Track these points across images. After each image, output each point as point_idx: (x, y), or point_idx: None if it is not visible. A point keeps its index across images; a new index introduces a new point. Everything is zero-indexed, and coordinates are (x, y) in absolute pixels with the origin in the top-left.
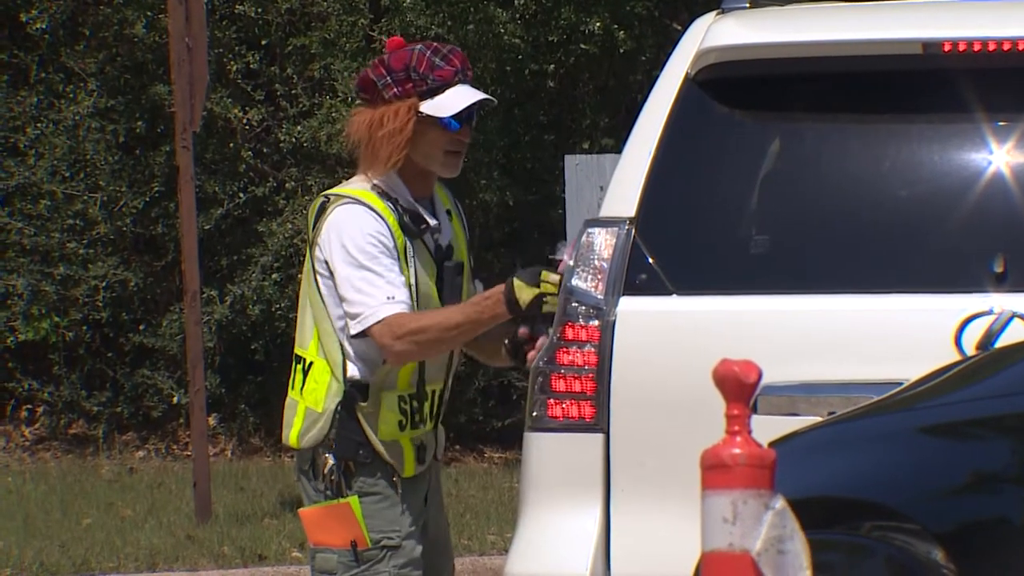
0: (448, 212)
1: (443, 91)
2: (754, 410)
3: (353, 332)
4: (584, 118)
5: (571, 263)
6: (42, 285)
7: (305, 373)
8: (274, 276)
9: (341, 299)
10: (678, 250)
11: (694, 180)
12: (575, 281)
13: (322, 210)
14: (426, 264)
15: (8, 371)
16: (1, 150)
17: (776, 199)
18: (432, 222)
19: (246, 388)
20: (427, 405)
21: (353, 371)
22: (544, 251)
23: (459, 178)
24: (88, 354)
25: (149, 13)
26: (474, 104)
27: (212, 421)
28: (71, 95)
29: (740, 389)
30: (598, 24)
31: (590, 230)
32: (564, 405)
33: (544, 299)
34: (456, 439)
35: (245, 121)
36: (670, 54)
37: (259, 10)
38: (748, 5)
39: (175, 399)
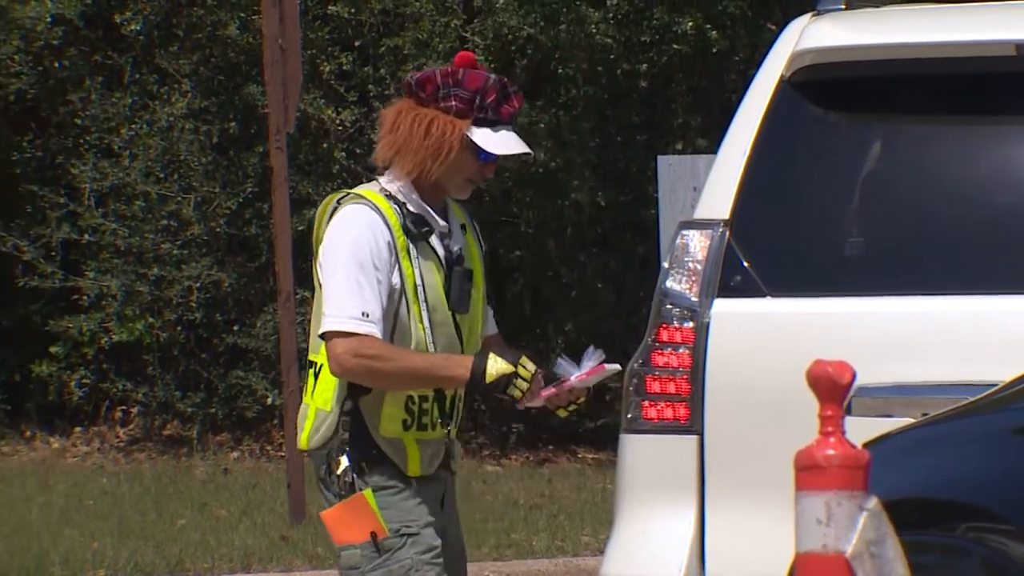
0: (463, 227)
1: (496, 127)
2: (848, 411)
3: (322, 329)
4: (677, 118)
5: (575, 383)
6: (136, 286)
7: (316, 376)
8: None
9: (321, 287)
10: (772, 252)
11: (788, 182)
12: (670, 283)
13: (333, 212)
14: (433, 265)
15: (102, 372)
16: (96, 151)
17: (870, 201)
18: (440, 223)
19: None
20: (435, 410)
21: None
22: (637, 251)
23: (551, 178)
24: (182, 355)
25: (243, 14)
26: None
27: None
28: (165, 96)
29: (834, 390)
30: (691, 24)
31: (685, 232)
32: (659, 407)
33: (513, 381)
34: (549, 440)
35: (338, 122)
36: (765, 55)
37: (352, 11)
38: (844, 7)
39: (269, 400)
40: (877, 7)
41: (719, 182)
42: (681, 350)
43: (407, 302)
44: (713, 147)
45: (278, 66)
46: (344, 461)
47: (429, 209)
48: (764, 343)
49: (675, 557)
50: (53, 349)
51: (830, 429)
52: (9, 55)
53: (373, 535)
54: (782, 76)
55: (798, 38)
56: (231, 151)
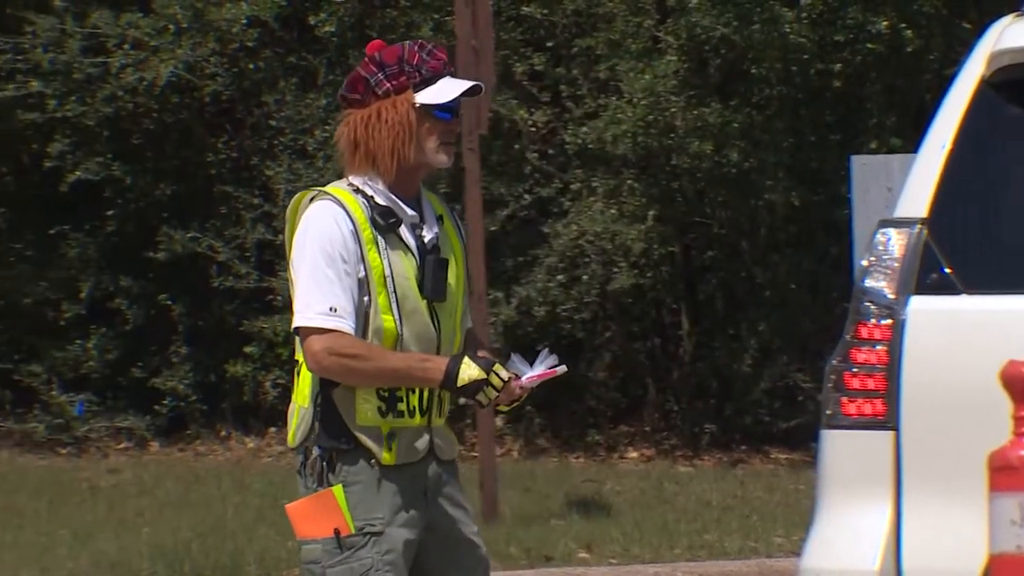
0: (440, 218)
1: (435, 82)
2: None
3: (293, 325)
4: (871, 118)
5: (525, 383)
6: None
7: (298, 375)
8: (559, 277)
9: (291, 287)
10: (969, 250)
11: (986, 181)
12: (868, 281)
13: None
14: (403, 255)
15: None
16: (290, 152)
17: None
18: (409, 213)
19: (532, 389)
20: (413, 398)
21: None
22: (830, 251)
23: (744, 178)
24: None
25: (436, 15)
26: (465, 93)
27: (498, 422)
28: None
29: None
30: (885, 23)
31: (884, 230)
32: (857, 403)
33: (483, 388)
34: (742, 440)
35: (531, 123)
36: (966, 56)
37: (545, 11)
38: None
39: (461, 400)
40: None
41: (918, 181)
42: (878, 347)
43: (372, 293)
44: (907, 146)
45: (471, 67)
46: (315, 451)
47: (398, 200)
48: (960, 341)
49: (871, 550)
50: (248, 349)
51: None
52: (205, 57)
53: (337, 531)
54: (982, 76)
55: (998, 38)
56: None
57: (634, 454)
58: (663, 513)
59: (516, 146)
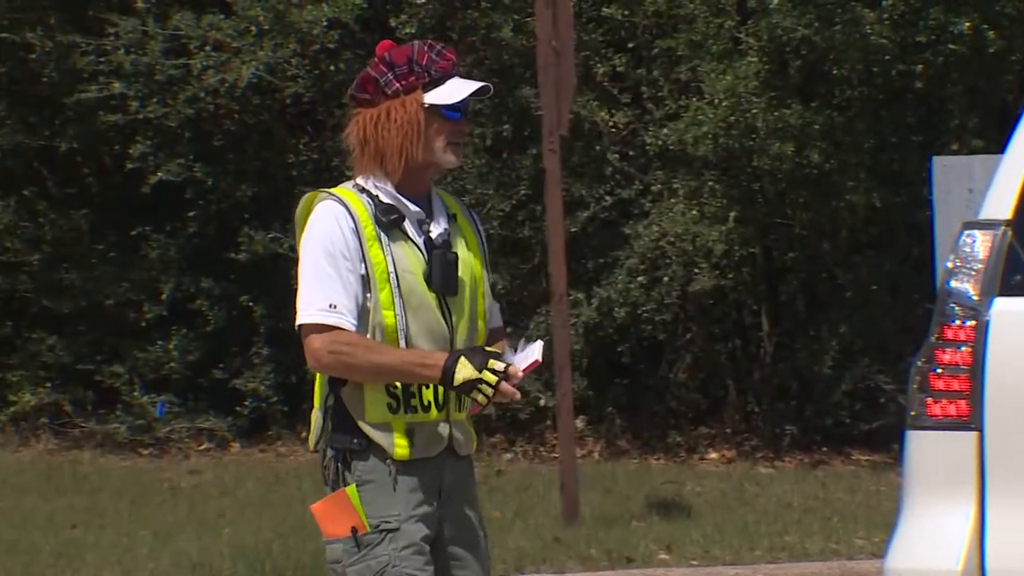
0: (454, 216)
1: (444, 82)
2: None
3: (296, 323)
4: (952, 119)
5: (520, 374)
6: None
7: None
8: (640, 279)
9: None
10: None
11: None
12: (953, 282)
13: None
14: (409, 251)
15: None
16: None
17: None
18: (413, 209)
19: (613, 391)
20: (427, 393)
21: None
22: (911, 252)
23: (825, 180)
24: None
25: (516, 16)
26: (474, 93)
27: (579, 424)
28: None
29: None
30: (967, 24)
31: (969, 232)
32: (942, 403)
33: (479, 386)
34: (823, 442)
35: (611, 124)
36: None
37: (626, 12)
38: None
39: (542, 402)
40: None
41: (1003, 183)
42: (963, 348)
43: (374, 289)
44: (989, 148)
45: (551, 68)
46: (329, 453)
47: (402, 198)
48: None
49: (954, 550)
50: None
51: None
52: (286, 59)
53: (354, 530)
54: None
55: None
56: (504, 153)
57: (715, 455)
58: (744, 515)
59: (597, 147)
